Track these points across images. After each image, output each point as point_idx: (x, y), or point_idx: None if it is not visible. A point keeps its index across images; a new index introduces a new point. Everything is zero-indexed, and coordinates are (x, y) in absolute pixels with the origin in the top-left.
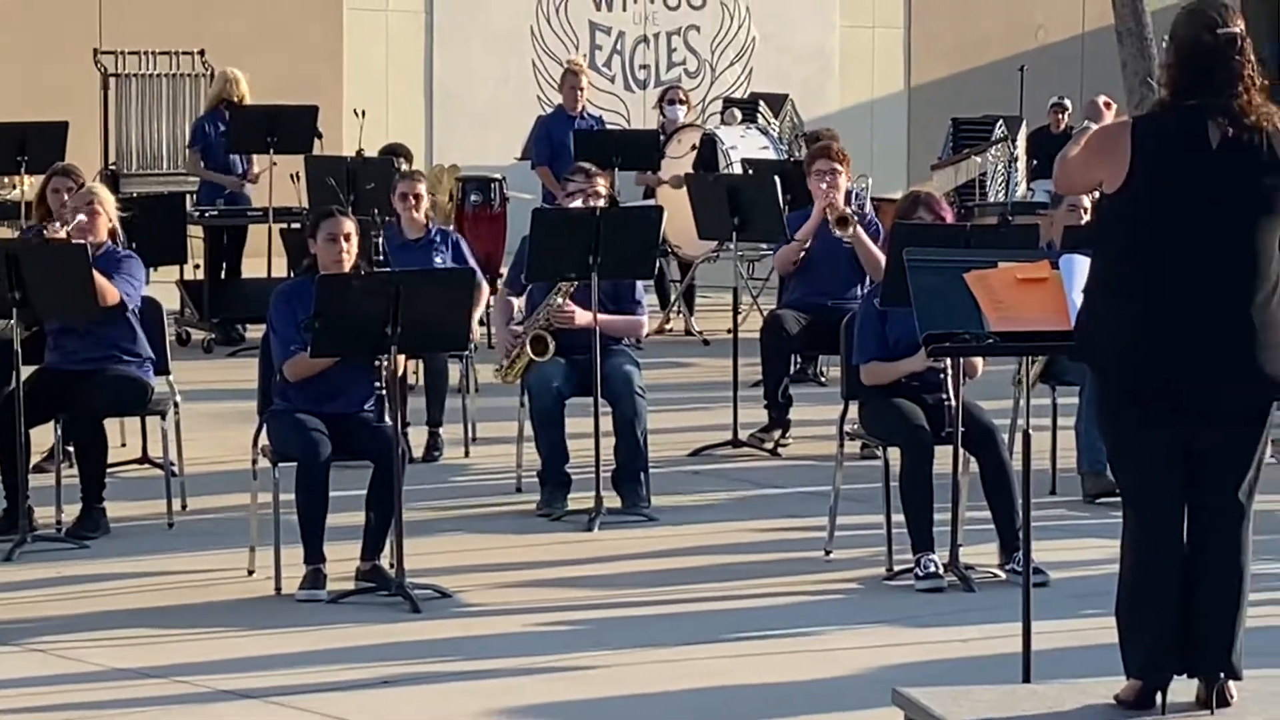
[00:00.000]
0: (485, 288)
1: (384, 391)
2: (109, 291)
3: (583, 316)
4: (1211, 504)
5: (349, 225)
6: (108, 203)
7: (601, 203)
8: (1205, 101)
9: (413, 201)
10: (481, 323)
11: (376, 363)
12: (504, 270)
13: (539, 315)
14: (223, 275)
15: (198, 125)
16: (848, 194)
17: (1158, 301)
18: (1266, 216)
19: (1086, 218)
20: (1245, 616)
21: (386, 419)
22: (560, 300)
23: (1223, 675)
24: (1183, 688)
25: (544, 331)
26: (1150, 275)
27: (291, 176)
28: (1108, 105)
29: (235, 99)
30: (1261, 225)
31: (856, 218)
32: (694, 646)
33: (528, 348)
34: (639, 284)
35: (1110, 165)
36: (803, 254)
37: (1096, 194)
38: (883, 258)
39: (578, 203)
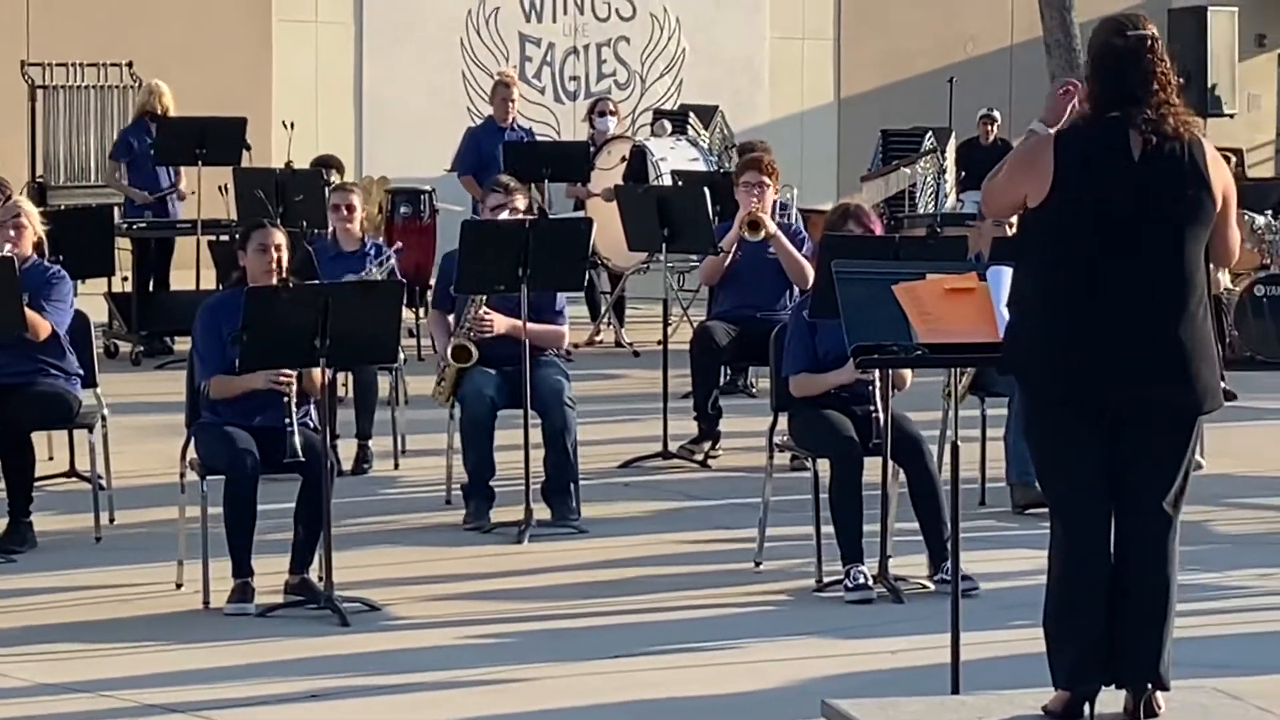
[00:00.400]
0: None
1: (292, 429)
2: (41, 327)
3: (501, 323)
4: (1138, 515)
5: (279, 236)
6: (33, 216)
7: (521, 215)
8: (1126, 112)
9: (346, 213)
10: (411, 334)
11: (285, 399)
12: (434, 282)
13: (461, 326)
14: (150, 287)
15: (121, 137)
16: (775, 206)
17: (1083, 313)
18: (1191, 227)
19: (1013, 230)
20: (1173, 627)
21: (298, 452)
22: (475, 310)
23: (1150, 686)
24: (1110, 698)
25: (466, 341)
26: (1075, 287)
27: (220, 188)
28: (1068, 90)
29: (159, 110)
30: (1186, 235)
31: (780, 226)
32: (624, 659)
33: (449, 357)
34: (560, 294)
35: (1034, 179)
36: (728, 264)
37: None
38: (805, 262)
39: (505, 214)
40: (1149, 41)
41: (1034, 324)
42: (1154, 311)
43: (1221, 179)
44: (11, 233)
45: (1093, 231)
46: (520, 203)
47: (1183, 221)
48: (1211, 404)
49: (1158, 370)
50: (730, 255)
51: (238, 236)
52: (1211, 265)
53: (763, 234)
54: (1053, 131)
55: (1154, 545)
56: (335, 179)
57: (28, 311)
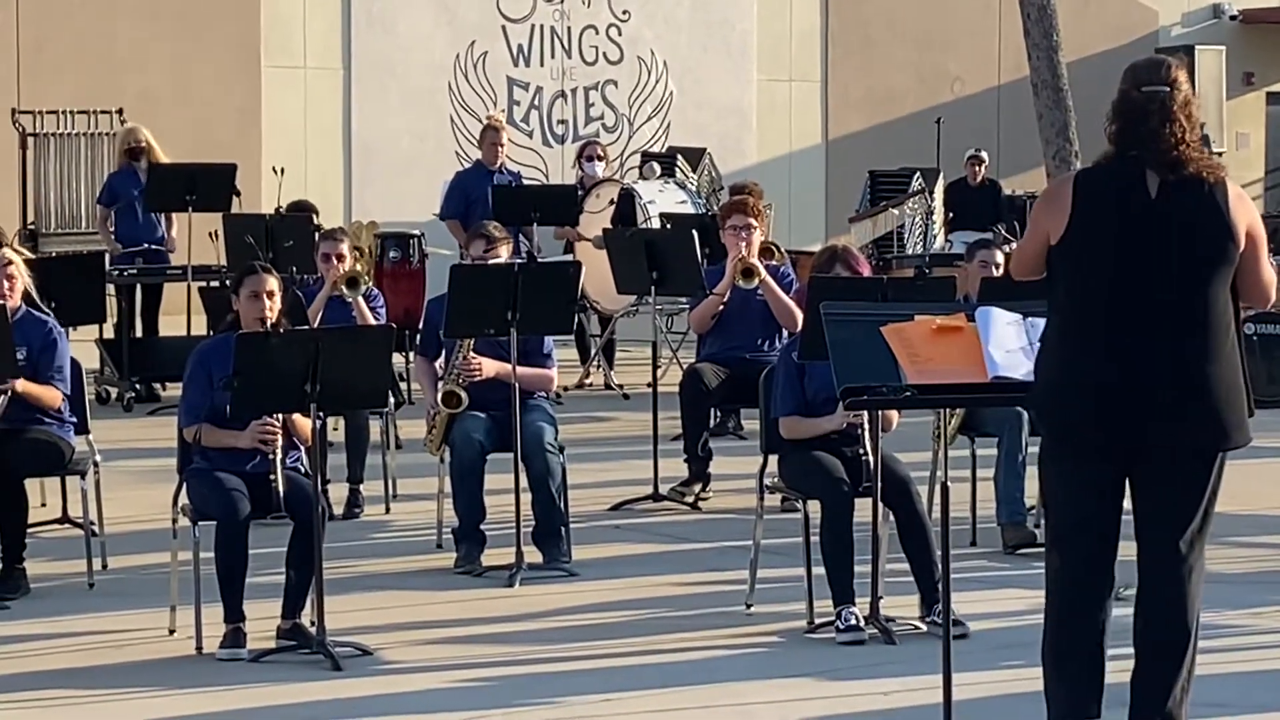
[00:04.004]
0: None
1: (276, 483)
2: (54, 400)
3: (489, 368)
4: (1154, 552)
5: (272, 282)
6: (21, 265)
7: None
8: (1143, 153)
9: (335, 261)
10: (402, 378)
11: (270, 455)
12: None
13: (449, 372)
14: (140, 334)
15: (107, 183)
16: (767, 248)
17: (1098, 350)
18: (1208, 265)
19: (999, 272)
20: (1191, 667)
21: (282, 506)
22: (463, 355)
23: None
24: None
25: (455, 386)
26: (1090, 323)
27: (210, 234)
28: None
29: (139, 144)
30: (1205, 273)
31: (767, 269)
32: (615, 701)
33: (440, 404)
34: (548, 337)
35: (1054, 217)
36: (720, 308)
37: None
38: (795, 306)
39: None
40: (1161, 98)
41: (1051, 361)
42: (1171, 349)
43: (1246, 219)
44: (4, 283)
45: (1108, 268)
46: (504, 252)
47: (1201, 259)
48: (1231, 442)
49: (1172, 408)
50: (721, 303)
51: (230, 282)
52: (1242, 304)
53: (756, 281)
54: (1075, 170)
55: (1166, 583)
56: (321, 223)
57: (39, 392)
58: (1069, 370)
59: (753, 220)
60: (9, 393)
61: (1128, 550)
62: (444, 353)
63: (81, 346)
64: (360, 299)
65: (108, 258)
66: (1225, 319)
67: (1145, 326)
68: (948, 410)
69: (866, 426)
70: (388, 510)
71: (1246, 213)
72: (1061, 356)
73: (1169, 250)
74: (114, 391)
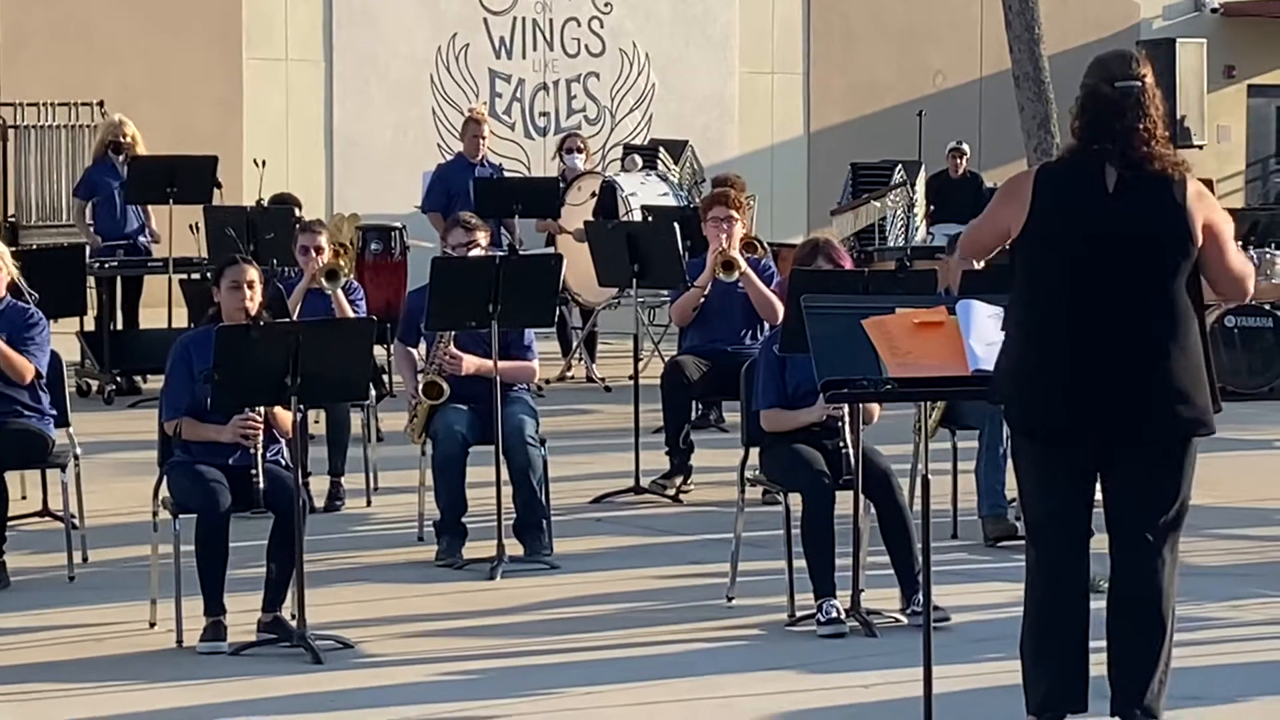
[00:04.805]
0: None
1: (260, 485)
2: (27, 370)
3: (470, 363)
4: (1126, 545)
5: (252, 273)
6: (5, 256)
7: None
8: (1105, 147)
9: (313, 254)
10: (384, 371)
11: (251, 449)
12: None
13: (430, 363)
14: (120, 326)
15: (85, 176)
16: (750, 242)
17: (1058, 344)
18: (1167, 259)
19: (981, 265)
20: (1168, 658)
21: (262, 502)
22: (443, 347)
23: (1138, 713)
24: None
25: (436, 377)
26: (1051, 318)
27: (191, 227)
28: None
29: (123, 138)
30: (1162, 268)
31: (748, 262)
32: (596, 694)
33: (421, 395)
34: (528, 330)
35: (1014, 210)
36: (701, 301)
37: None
38: (774, 298)
39: (475, 253)
40: (1134, 94)
41: (1014, 355)
42: (1132, 343)
43: (1204, 214)
44: None
45: (1067, 262)
46: (483, 241)
47: (1158, 254)
48: (1195, 434)
49: (1134, 402)
50: (702, 295)
51: (211, 274)
52: (1218, 297)
53: (737, 274)
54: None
55: (1140, 575)
56: (302, 215)
57: (13, 355)
58: (1032, 365)
59: (734, 213)
60: None
61: (1102, 542)
62: (424, 341)
63: (62, 339)
64: (339, 292)
65: (87, 250)
66: (1186, 313)
67: (1106, 321)
68: (929, 403)
69: (847, 419)
70: (369, 503)
71: (1205, 208)
72: (1024, 351)
73: (1126, 245)
74: (94, 384)
